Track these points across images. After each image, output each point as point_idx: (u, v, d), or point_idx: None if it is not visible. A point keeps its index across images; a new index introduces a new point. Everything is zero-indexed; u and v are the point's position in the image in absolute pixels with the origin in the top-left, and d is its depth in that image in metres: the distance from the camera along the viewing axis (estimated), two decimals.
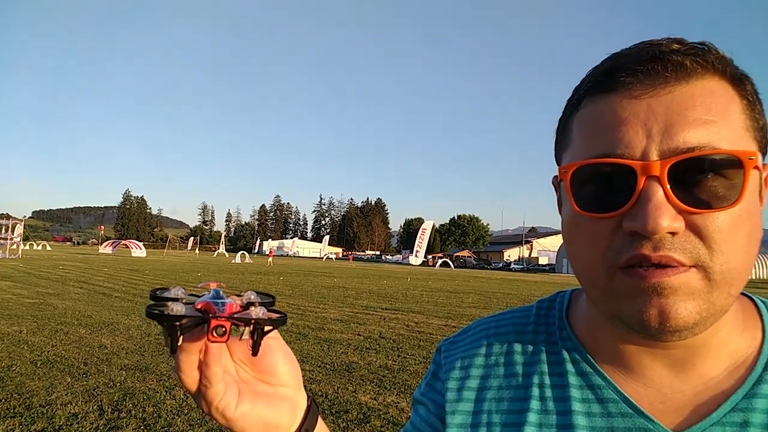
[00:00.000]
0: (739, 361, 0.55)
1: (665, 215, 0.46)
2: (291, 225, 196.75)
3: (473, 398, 0.63)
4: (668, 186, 0.47)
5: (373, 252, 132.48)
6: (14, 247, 37.14)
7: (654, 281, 0.48)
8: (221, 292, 0.49)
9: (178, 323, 0.45)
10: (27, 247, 58.21)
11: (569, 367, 0.60)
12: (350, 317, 11.08)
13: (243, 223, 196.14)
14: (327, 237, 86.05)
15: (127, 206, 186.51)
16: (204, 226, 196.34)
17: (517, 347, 0.65)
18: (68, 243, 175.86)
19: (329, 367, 6.45)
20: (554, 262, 62.51)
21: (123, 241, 62.84)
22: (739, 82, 0.51)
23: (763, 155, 0.53)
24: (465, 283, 27.36)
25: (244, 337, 0.50)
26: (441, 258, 73.41)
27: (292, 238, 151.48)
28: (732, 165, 0.47)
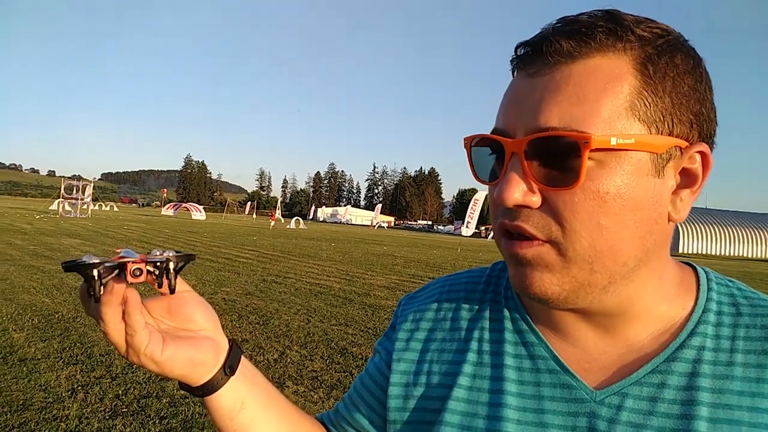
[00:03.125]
0: (665, 327, 0.57)
1: (516, 188, 0.50)
2: (345, 192, 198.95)
3: (419, 348, 0.68)
4: (525, 162, 0.50)
5: (425, 222, 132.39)
6: (84, 207, 39.35)
7: (513, 251, 0.53)
8: (131, 250, 0.54)
9: (96, 270, 0.50)
10: (96, 207, 61.55)
11: (508, 324, 0.64)
12: (397, 285, 11.21)
13: (298, 189, 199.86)
14: (379, 205, 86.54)
15: (189, 170, 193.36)
16: (261, 192, 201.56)
17: (465, 305, 0.69)
18: (133, 204, 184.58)
19: (372, 332, 6.58)
20: None
21: (184, 204, 65.42)
22: (646, 60, 0.49)
23: (703, 140, 0.52)
24: None
25: (161, 285, 0.55)
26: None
27: (345, 205, 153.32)
28: (572, 146, 0.48)
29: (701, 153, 0.52)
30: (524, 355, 0.61)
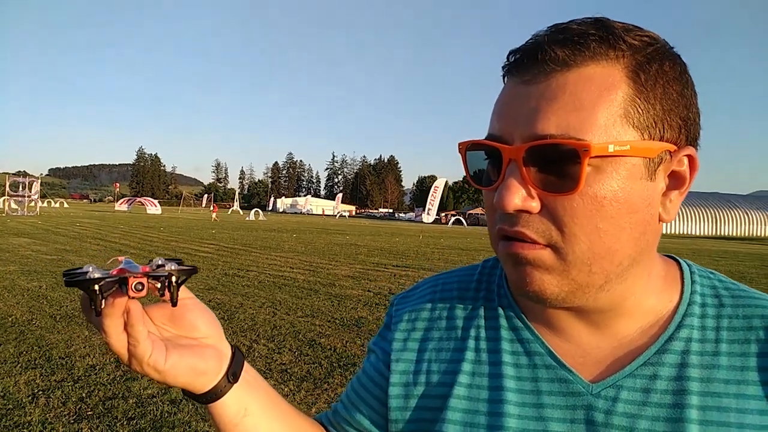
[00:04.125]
0: (653, 320, 0.60)
1: (516, 194, 0.51)
2: (304, 183, 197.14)
3: (416, 348, 0.69)
4: (524, 169, 0.51)
5: (386, 210, 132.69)
6: (32, 204, 37.76)
7: (512, 251, 0.54)
8: (132, 261, 0.53)
9: (98, 285, 0.49)
10: (44, 204, 59.17)
11: (503, 322, 0.66)
12: (361, 274, 11.24)
13: (256, 180, 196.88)
14: (340, 195, 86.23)
15: (141, 164, 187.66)
16: (218, 184, 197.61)
17: (460, 304, 0.70)
18: (85, 200, 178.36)
19: (338, 322, 6.59)
20: None
21: (138, 199, 63.62)
22: (637, 68, 0.51)
23: (690, 144, 0.54)
24: (477, 241, 27.44)
25: (163, 295, 0.54)
26: (454, 216, 73.28)
27: (305, 195, 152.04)
28: (571, 154, 0.49)
29: (689, 156, 0.54)
30: (521, 352, 0.63)
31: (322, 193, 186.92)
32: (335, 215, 76.69)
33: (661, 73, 0.52)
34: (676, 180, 0.55)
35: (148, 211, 53.23)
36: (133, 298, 0.52)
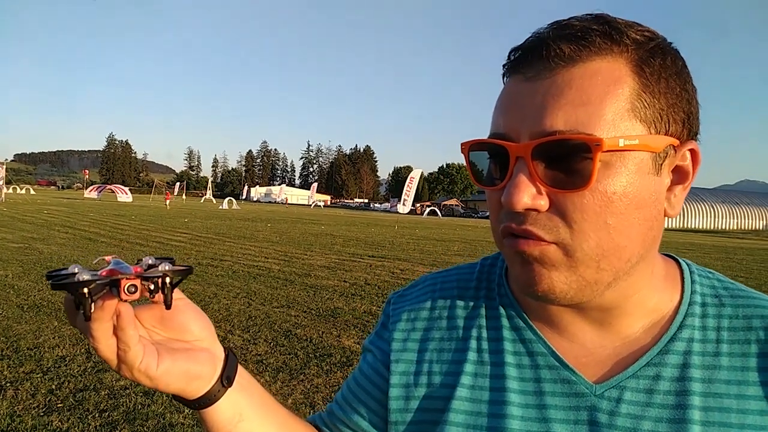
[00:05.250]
0: (655, 320, 0.60)
1: (524, 193, 0.50)
2: (279, 172, 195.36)
3: (416, 349, 0.68)
4: (532, 166, 0.51)
5: (362, 200, 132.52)
6: None
7: (518, 249, 0.53)
8: (121, 261, 0.50)
9: (88, 288, 0.46)
10: (10, 191, 57.43)
11: (504, 322, 0.65)
12: (337, 264, 11.21)
13: (230, 169, 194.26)
14: (315, 184, 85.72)
15: (112, 150, 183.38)
16: (191, 172, 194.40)
17: (460, 303, 0.69)
18: (52, 187, 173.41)
19: (315, 312, 6.57)
20: None
21: (108, 186, 62.13)
22: (641, 62, 0.51)
23: (691, 138, 0.55)
24: (452, 232, 27.65)
25: (155, 296, 0.51)
26: (429, 206, 73.76)
27: (279, 184, 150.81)
28: (582, 149, 0.49)
29: (691, 150, 0.55)
30: (523, 352, 0.62)
31: (297, 182, 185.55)
32: (310, 205, 76.24)
33: (664, 68, 0.52)
34: (679, 175, 0.55)
35: (119, 199, 52.01)
36: (125, 301, 0.48)
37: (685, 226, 63.62)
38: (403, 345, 0.69)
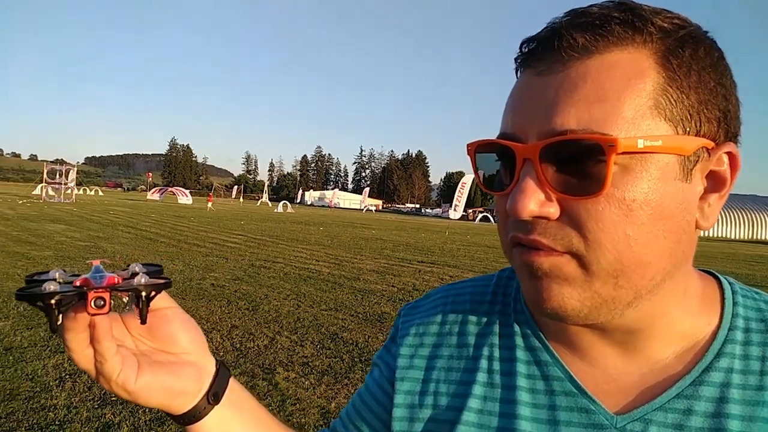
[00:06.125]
0: (689, 345, 0.52)
1: (530, 199, 0.45)
2: (332, 176, 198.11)
3: (424, 366, 0.62)
4: (540, 169, 0.45)
5: (413, 205, 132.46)
6: (68, 191, 38.80)
7: (527, 260, 0.48)
8: (102, 268, 0.48)
9: (51, 301, 0.44)
10: (80, 192, 60.74)
11: (519, 341, 0.59)
12: (386, 269, 11.21)
13: (285, 173, 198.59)
14: (367, 189, 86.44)
15: (174, 154, 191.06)
16: (248, 175, 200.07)
17: (473, 317, 0.63)
18: (118, 189, 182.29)
19: (362, 316, 6.58)
20: None
21: (170, 188, 64.77)
22: (668, 53, 0.45)
23: (730, 140, 0.48)
24: None
25: (128, 308, 0.49)
26: (481, 212, 72.82)
27: (332, 189, 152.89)
28: (595, 151, 0.43)
29: (729, 154, 0.47)
30: (538, 376, 0.56)
31: (350, 186, 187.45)
32: (362, 209, 76.85)
33: (695, 59, 0.45)
34: (715, 181, 0.48)
35: (180, 201, 54.13)
36: (92, 315, 0.46)
37: (755, 237, 60.10)
38: (409, 362, 0.63)
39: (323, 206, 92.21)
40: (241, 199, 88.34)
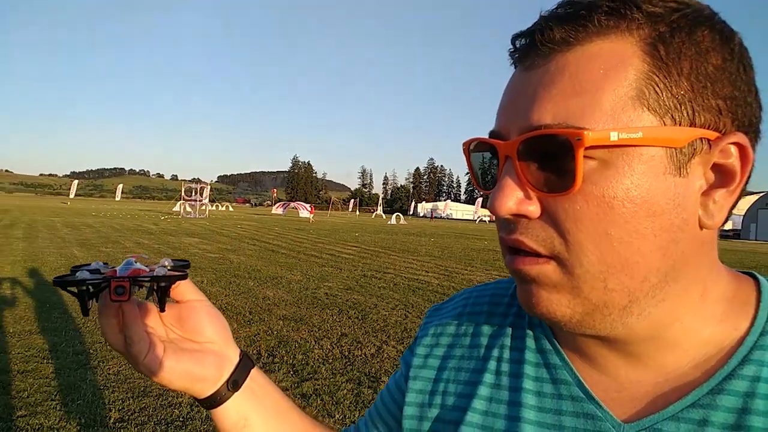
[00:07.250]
0: (711, 352, 0.48)
1: (510, 196, 0.44)
2: (444, 187, 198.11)
3: (437, 366, 0.63)
4: (519, 166, 0.44)
5: None
6: (203, 207, 42.42)
7: (515, 267, 0.47)
8: (133, 261, 0.54)
9: (82, 288, 0.51)
10: (213, 207, 66.04)
11: (530, 343, 0.57)
12: None
13: (399, 185, 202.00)
14: (480, 199, 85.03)
15: (296, 170, 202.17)
16: (363, 189, 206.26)
17: (488, 319, 0.63)
18: (247, 204, 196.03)
19: None
20: (740, 227, 54.27)
21: (292, 203, 68.36)
22: (655, 41, 0.42)
23: (740, 130, 0.44)
24: None
25: (149, 297, 0.56)
26: None
27: (445, 200, 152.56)
28: (566, 146, 0.41)
29: (737, 144, 0.43)
30: (546, 379, 0.54)
31: (462, 197, 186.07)
32: (475, 220, 75.84)
33: (690, 43, 0.42)
34: (722, 175, 0.44)
35: (301, 215, 56.93)
36: (114, 301, 0.52)
37: None
38: (423, 361, 0.64)
39: (436, 217, 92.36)
40: (357, 212, 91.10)
